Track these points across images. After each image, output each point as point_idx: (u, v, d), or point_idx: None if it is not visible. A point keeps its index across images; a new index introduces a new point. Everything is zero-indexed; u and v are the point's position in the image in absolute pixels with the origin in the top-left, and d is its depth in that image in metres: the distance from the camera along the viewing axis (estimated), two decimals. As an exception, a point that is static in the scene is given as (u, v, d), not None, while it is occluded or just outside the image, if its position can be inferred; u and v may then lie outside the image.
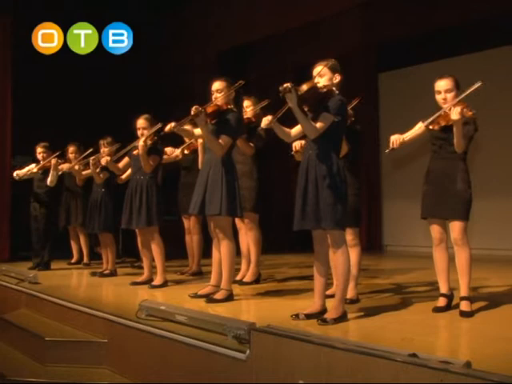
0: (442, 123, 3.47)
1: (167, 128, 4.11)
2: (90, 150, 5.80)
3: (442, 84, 3.53)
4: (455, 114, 3.29)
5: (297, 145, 3.71)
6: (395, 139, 3.52)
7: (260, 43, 8.35)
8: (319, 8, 7.13)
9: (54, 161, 6.06)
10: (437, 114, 3.49)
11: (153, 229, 4.84)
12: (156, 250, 4.84)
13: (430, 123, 3.51)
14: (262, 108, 4.77)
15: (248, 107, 4.74)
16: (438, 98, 3.57)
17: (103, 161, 5.22)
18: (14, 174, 6.34)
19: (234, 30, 8.11)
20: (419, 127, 3.60)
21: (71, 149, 6.48)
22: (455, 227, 3.45)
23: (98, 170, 5.58)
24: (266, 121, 3.33)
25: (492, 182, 6.98)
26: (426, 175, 3.63)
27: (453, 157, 3.49)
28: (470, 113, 3.30)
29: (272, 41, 8.22)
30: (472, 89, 3.40)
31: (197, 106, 3.89)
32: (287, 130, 3.46)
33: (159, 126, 4.63)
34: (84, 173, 6.03)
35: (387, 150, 3.56)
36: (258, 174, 4.82)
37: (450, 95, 3.50)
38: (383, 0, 7.22)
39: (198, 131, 4.29)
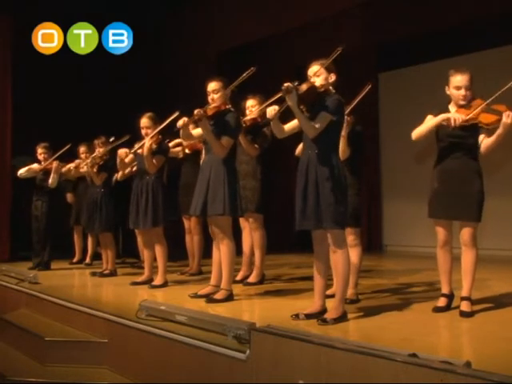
0: (470, 122, 3.31)
1: (180, 123, 4.02)
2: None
3: (463, 79, 3.40)
4: (510, 118, 3.18)
5: None
6: (457, 117, 3.28)
7: (260, 43, 8.34)
8: (319, 8, 7.12)
9: (55, 163, 6.08)
10: (466, 112, 3.34)
11: (158, 229, 4.84)
12: (159, 250, 4.84)
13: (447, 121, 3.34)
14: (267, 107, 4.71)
15: (253, 106, 4.66)
16: (457, 93, 3.42)
17: (128, 159, 5.01)
18: (18, 173, 6.35)
19: (234, 30, 8.11)
20: (439, 120, 3.45)
21: (82, 149, 6.47)
22: (468, 229, 3.42)
23: (95, 171, 5.59)
24: (272, 111, 3.30)
25: (495, 182, 6.96)
26: (438, 174, 3.52)
27: (467, 156, 3.43)
28: None
29: (272, 41, 8.22)
30: (506, 87, 3.29)
31: (199, 109, 3.88)
32: (282, 126, 3.49)
33: (165, 124, 4.61)
34: (82, 171, 5.99)
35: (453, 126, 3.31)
36: (262, 174, 4.80)
37: (468, 92, 3.40)
38: (383, 0, 7.22)
39: (196, 132, 4.29)
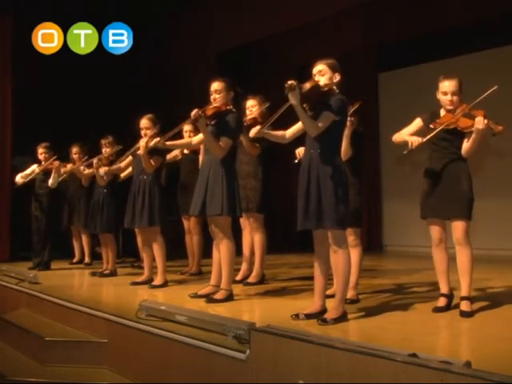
0: (451, 126, 3.43)
1: (152, 143, 4.44)
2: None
3: (450, 85, 3.48)
4: (481, 124, 3.27)
5: (300, 151, 3.70)
6: (414, 140, 3.46)
7: (260, 43, 8.34)
8: (319, 8, 7.12)
9: (56, 163, 6.08)
10: (449, 117, 3.45)
11: (155, 229, 4.84)
12: (157, 250, 4.83)
13: (435, 124, 3.46)
14: (267, 107, 4.74)
15: (253, 106, 4.70)
16: (444, 98, 3.51)
17: (102, 171, 5.29)
18: (18, 179, 6.30)
19: (233, 30, 8.11)
20: (417, 124, 3.61)
21: (75, 149, 6.48)
22: (458, 227, 3.44)
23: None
24: (254, 131, 3.49)
25: (492, 182, 6.97)
26: (427, 175, 3.60)
27: (456, 157, 3.49)
28: (500, 128, 3.31)
29: (272, 41, 8.22)
30: (487, 94, 3.40)
31: (197, 109, 3.89)
32: (280, 132, 3.52)
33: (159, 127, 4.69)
34: (86, 172, 6.01)
35: (405, 151, 3.47)
36: (263, 174, 4.80)
37: (455, 98, 3.48)
38: (383, 0, 7.22)
39: (196, 139, 4.35)
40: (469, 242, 3.45)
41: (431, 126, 3.49)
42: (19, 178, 6.30)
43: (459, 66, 6.87)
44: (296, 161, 3.71)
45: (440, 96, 3.54)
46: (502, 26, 6.85)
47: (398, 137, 3.67)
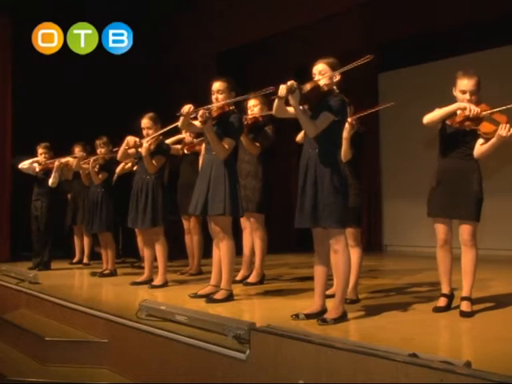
0: (472, 126, 3.36)
1: (185, 109, 3.92)
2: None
3: (469, 84, 3.40)
4: (505, 131, 3.21)
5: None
6: (473, 108, 3.29)
7: (260, 43, 8.34)
8: (319, 8, 7.13)
9: (57, 162, 6.08)
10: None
11: (158, 229, 4.84)
12: (160, 250, 4.83)
13: (453, 120, 3.37)
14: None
15: (255, 106, 4.70)
16: (462, 97, 3.42)
17: (131, 151, 4.90)
18: (20, 165, 6.35)
19: (233, 30, 8.11)
20: (454, 107, 3.44)
21: (77, 149, 6.48)
22: (466, 228, 3.42)
23: (96, 170, 5.60)
24: (284, 89, 3.11)
25: (495, 182, 6.96)
26: (437, 174, 3.54)
27: (467, 157, 3.45)
28: None
29: (272, 41, 8.22)
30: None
31: (203, 110, 3.87)
32: (286, 108, 3.39)
33: (164, 130, 4.63)
34: (84, 166, 5.99)
35: (468, 113, 3.30)
36: (264, 174, 4.80)
37: (474, 97, 3.40)
38: (383, 0, 7.22)
39: (197, 123, 4.25)
40: (475, 243, 3.43)
41: (448, 122, 3.43)
42: (20, 166, 6.33)
43: (459, 66, 6.83)
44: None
45: (457, 94, 3.46)
46: (502, 25, 6.85)
47: (432, 115, 3.47)
